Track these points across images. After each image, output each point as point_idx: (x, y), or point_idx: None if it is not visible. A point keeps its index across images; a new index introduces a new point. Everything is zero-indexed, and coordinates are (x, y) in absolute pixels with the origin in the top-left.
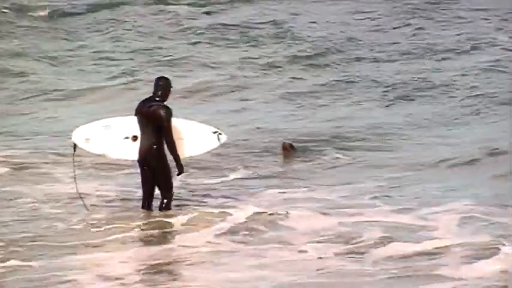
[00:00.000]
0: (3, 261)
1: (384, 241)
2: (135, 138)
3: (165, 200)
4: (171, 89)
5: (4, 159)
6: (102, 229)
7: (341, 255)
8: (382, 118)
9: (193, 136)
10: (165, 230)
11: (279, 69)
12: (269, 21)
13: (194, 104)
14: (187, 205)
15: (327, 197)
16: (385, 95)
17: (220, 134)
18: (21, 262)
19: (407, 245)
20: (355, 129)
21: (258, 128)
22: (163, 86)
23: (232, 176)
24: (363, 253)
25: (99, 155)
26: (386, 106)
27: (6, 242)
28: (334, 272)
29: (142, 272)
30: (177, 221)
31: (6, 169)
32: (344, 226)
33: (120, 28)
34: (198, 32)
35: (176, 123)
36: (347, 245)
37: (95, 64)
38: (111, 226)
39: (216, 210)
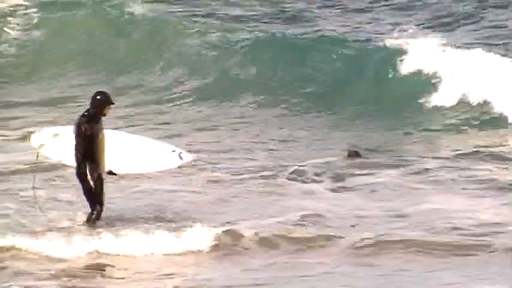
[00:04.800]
0: None
1: None
2: None
3: (94, 213)
4: (110, 105)
5: None
6: None
7: None
8: None
9: (146, 153)
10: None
11: None
12: None
13: None
14: None
15: None
16: None
17: (181, 153)
18: None
19: None
20: None
21: None
22: (99, 101)
23: None
24: None
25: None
26: None
27: None
28: None
29: None
30: None
31: None
32: None
33: None
34: None
35: (129, 138)
36: None
37: None
38: None
39: None
